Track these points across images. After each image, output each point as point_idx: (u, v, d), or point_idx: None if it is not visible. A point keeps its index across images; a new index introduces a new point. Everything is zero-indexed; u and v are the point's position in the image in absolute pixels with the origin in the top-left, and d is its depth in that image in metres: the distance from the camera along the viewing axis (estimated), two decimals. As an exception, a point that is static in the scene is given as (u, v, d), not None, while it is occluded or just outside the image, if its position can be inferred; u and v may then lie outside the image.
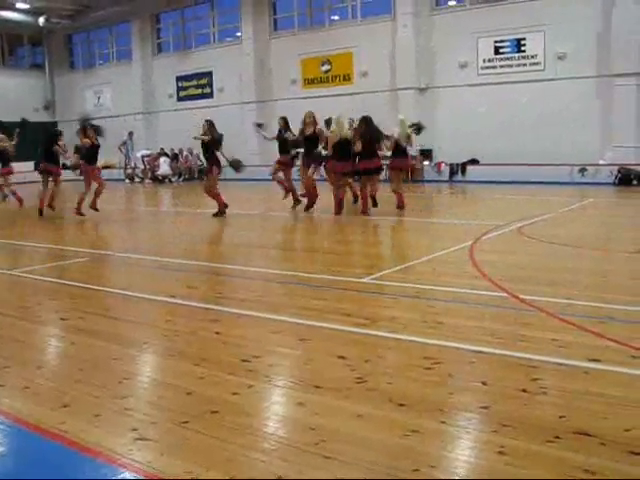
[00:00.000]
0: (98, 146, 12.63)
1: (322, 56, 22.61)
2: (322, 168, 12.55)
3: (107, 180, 13.20)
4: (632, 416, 3.02)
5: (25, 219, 13.15)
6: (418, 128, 12.33)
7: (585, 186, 16.05)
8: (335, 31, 22.47)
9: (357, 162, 11.62)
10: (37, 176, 14.00)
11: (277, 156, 12.97)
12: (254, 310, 5.17)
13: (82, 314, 5.24)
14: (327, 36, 22.43)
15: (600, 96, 17.41)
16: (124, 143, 25.85)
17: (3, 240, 10.03)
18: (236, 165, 12.55)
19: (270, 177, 13.52)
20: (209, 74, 25.96)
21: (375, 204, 11.72)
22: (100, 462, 2.72)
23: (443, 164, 19.82)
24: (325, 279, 6.27)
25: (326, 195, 12.27)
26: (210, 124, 12.01)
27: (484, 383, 3.48)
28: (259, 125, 14.18)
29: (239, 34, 25.03)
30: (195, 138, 12.42)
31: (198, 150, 22.67)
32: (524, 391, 3.33)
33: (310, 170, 12.06)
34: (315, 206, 12.21)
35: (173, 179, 25.06)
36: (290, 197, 12.73)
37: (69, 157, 14.61)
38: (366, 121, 11.60)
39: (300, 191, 12.60)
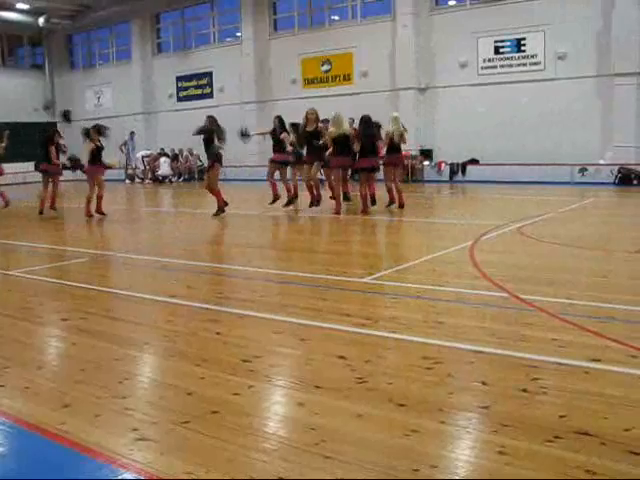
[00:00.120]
0: (102, 148, 12.63)
1: (322, 56, 22.61)
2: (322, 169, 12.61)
3: (107, 180, 13.16)
4: (632, 416, 3.02)
5: (26, 219, 13.15)
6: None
7: (585, 186, 16.05)
8: (335, 31, 22.47)
9: (357, 160, 11.80)
10: (37, 176, 13.98)
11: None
12: (254, 310, 5.17)
13: (83, 314, 5.25)
14: (327, 36, 22.42)
15: (600, 96, 17.42)
16: (125, 143, 25.87)
17: (3, 240, 10.04)
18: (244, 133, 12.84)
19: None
20: (209, 74, 25.95)
21: (374, 202, 11.82)
22: (100, 462, 2.73)
23: (443, 164, 19.83)
24: (325, 279, 6.28)
25: (324, 194, 12.32)
26: (212, 119, 12.03)
27: (484, 383, 3.48)
28: (244, 135, 13.51)
29: (239, 34, 25.03)
30: (194, 134, 12.43)
31: (198, 150, 22.79)
32: (524, 391, 3.33)
33: (314, 169, 12.05)
34: (319, 206, 12.25)
35: (173, 179, 25.07)
36: (284, 199, 12.64)
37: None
38: (365, 121, 11.73)
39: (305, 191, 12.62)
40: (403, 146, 12.49)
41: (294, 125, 12.72)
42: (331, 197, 12.54)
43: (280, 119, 12.64)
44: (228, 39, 25.83)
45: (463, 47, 19.49)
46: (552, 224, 9.95)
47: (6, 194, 14.55)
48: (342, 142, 11.56)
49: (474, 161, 19.39)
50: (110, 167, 13.00)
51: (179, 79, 26.98)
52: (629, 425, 2.90)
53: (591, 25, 17.37)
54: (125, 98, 28.31)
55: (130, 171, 26.16)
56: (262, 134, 13.14)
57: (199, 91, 26.39)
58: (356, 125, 12.63)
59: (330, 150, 11.63)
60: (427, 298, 5.43)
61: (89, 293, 6.11)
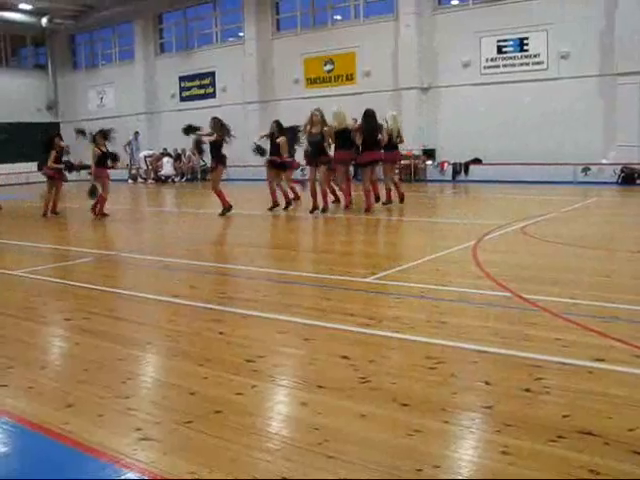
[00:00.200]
0: (108, 153, 12.71)
1: (325, 56, 22.61)
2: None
3: (110, 180, 13.18)
4: (636, 416, 3.01)
5: (29, 219, 13.17)
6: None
7: (588, 185, 16.04)
8: (338, 31, 22.46)
9: (359, 154, 11.91)
10: (40, 176, 14.00)
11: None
12: (258, 310, 5.17)
13: (86, 314, 5.25)
14: (330, 36, 22.42)
15: (603, 95, 17.39)
16: (129, 143, 25.90)
17: (7, 240, 10.06)
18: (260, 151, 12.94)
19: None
20: (212, 74, 25.97)
21: (377, 199, 11.90)
22: (104, 462, 2.73)
23: (446, 164, 19.82)
24: (328, 279, 6.28)
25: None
26: (217, 122, 12.02)
27: (487, 383, 3.47)
28: (260, 151, 13.30)
29: (242, 34, 25.04)
30: (198, 135, 12.41)
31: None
32: (528, 391, 3.33)
33: (322, 175, 11.95)
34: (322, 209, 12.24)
35: (176, 179, 25.08)
36: (281, 204, 12.62)
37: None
38: (368, 115, 11.79)
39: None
40: (402, 145, 12.80)
41: (291, 128, 12.74)
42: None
43: (278, 123, 12.66)
44: (231, 39, 25.85)
45: (466, 47, 19.47)
46: (555, 224, 9.93)
47: None
48: (344, 136, 11.65)
49: (477, 161, 19.38)
50: (113, 167, 13.02)
51: (182, 79, 27.01)
52: (633, 425, 2.89)
53: (594, 24, 17.34)
54: (128, 98, 28.34)
55: (133, 171, 26.20)
56: (263, 137, 13.12)
57: (202, 91, 26.41)
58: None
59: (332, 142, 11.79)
60: (430, 298, 5.43)
61: (92, 293, 6.11)
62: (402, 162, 19.13)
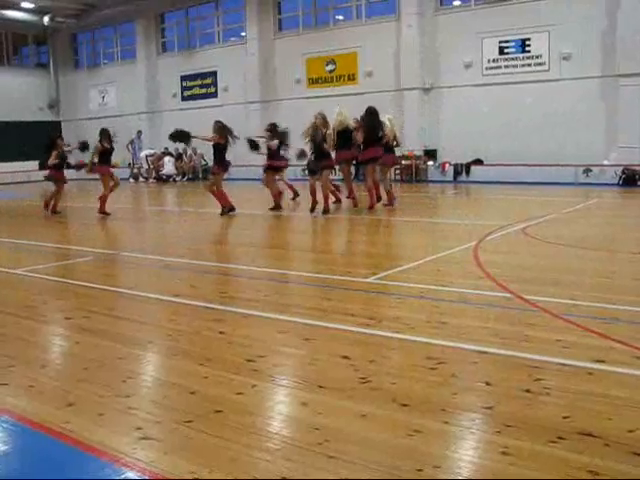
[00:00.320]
0: (112, 150, 13.03)
1: (327, 56, 22.60)
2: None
3: (111, 177, 13.22)
4: (637, 417, 3.01)
5: (30, 218, 13.19)
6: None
7: (589, 186, 16.03)
8: (340, 31, 22.45)
9: (361, 151, 12.05)
10: (41, 175, 14.05)
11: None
12: (258, 310, 5.18)
13: (87, 313, 5.26)
14: (332, 36, 22.41)
15: (605, 96, 17.37)
16: (132, 142, 25.89)
17: (7, 239, 10.07)
18: (253, 145, 13.00)
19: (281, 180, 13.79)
20: (213, 74, 25.96)
21: (379, 199, 12.05)
22: (104, 461, 2.73)
23: (447, 164, 19.81)
24: (329, 279, 6.28)
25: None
26: (221, 126, 12.06)
27: (488, 383, 3.47)
28: (254, 146, 13.28)
29: (244, 34, 25.03)
30: (201, 138, 12.52)
31: (202, 150, 22.83)
32: (528, 391, 3.33)
33: (324, 177, 11.95)
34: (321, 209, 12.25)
35: (177, 179, 25.09)
36: (280, 202, 12.72)
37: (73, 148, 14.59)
38: (370, 112, 11.84)
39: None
40: (401, 146, 12.91)
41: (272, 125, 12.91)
42: (348, 197, 12.80)
43: (274, 126, 12.73)
44: (232, 39, 25.84)
45: (468, 47, 19.46)
46: (556, 225, 9.93)
47: None
48: (345, 136, 11.76)
49: (478, 161, 19.37)
50: (114, 166, 13.14)
51: (183, 78, 27.00)
52: (633, 426, 2.89)
53: (596, 25, 17.32)
54: (129, 97, 28.35)
55: (135, 170, 26.21)
56: (261, 137, 13.18)
57: (203, 90, 26.40)
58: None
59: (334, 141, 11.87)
60: (431, 298, 5.43)
61: (93, 292, 6.12)
62: (403, 162, 19.26)
